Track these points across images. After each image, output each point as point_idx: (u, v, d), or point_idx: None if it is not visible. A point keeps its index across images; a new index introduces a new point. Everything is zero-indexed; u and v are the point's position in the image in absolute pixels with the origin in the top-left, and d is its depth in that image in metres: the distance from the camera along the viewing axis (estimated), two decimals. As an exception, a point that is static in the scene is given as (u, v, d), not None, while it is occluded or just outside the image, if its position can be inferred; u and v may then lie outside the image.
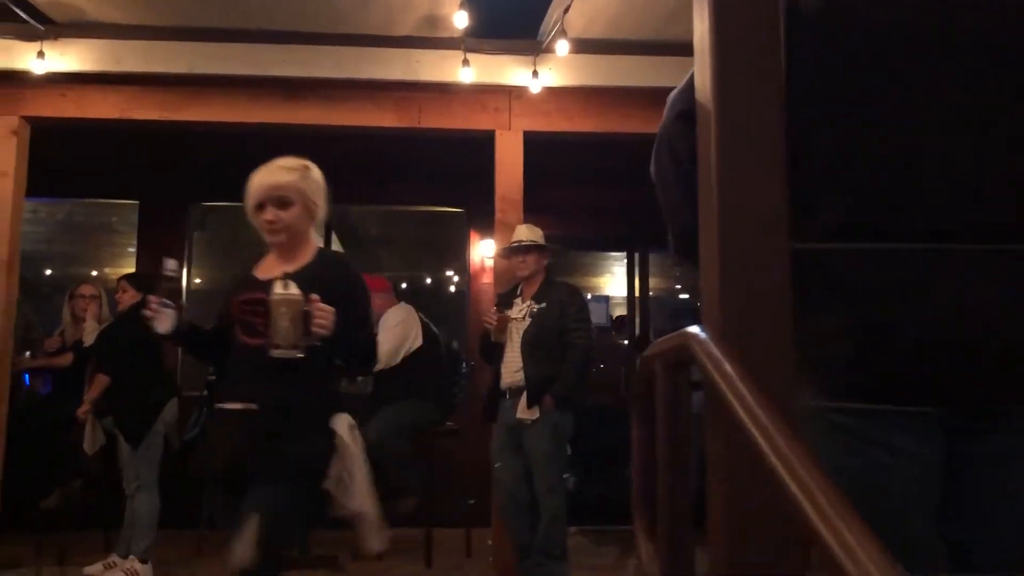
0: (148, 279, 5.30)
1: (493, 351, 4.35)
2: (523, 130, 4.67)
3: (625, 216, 6.49)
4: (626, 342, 7.65)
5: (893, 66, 1.17)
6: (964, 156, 1.14)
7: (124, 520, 4.59)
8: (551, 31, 4.27)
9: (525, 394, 4.13)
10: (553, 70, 4.55)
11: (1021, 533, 1.14)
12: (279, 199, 2.44)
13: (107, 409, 4.68)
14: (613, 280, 9.04)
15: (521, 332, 4.20)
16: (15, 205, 4.51)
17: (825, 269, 1.20)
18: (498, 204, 4.68)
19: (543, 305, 4.21)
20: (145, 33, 4.40)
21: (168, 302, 2.38)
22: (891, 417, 1.12)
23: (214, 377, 5.34)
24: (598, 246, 7.64)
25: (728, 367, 1.08)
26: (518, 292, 4.35)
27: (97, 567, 4.55)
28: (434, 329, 5.38)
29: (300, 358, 2.26)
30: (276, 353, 2.24)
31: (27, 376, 5.50)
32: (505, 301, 4.39)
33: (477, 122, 4.69)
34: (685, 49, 4.09)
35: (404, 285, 7.43)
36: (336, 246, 7.01)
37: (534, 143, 4.71)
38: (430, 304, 5.64)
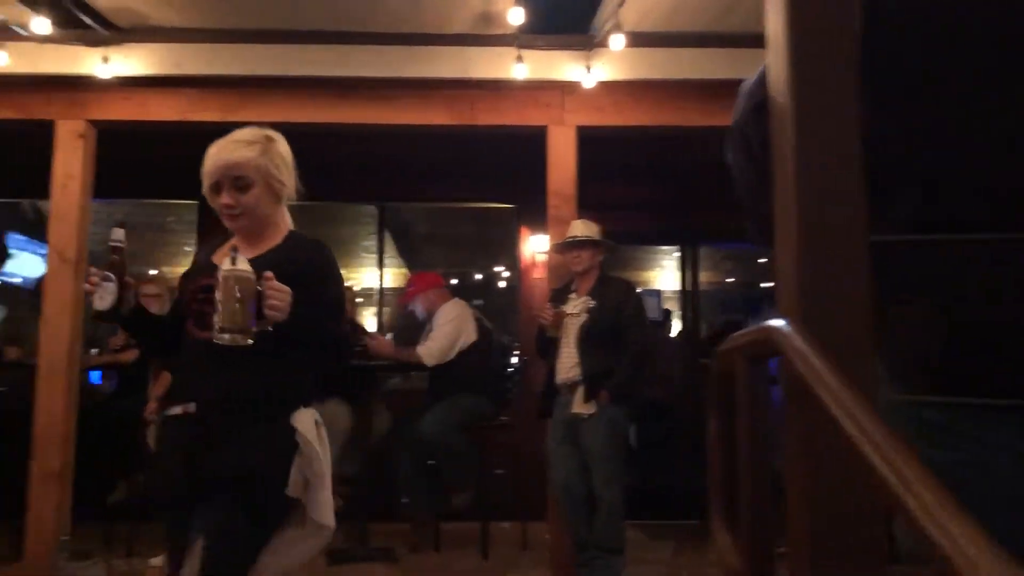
0: None
1: (548, 346, 4.37)
2: (576, 125, 4.67)
3: (677, 210, 6.46)
4: (673, 336, 7.62)
5: (971, 54, 1.15)
6: None
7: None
8: (605, 25, 4.26)
9: (581, 389, 4.15)
10: (606, 64, 4.54)
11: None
12: (236, 180, 2.13)
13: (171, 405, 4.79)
14: (663, 274, 9.00)
15: (577, 327, 4.21)
16: (82, 207, 4.63)
17: (906, 261, 1.19)
18: (551, 199, 4.69)
19: (599, 300, 4.22)
20: (204, 36, 4.49)
21: (110, 275, 2.05)
22: (981, 411, 1.11)
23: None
24: (649, 240, 7.61)
25: (816, 361, 1.08)
26: (572, 287, 4.37)
27: (161, 558, 4.67)
28: (487, 324, 5.41)
29: (249, 344, 1.93)
30: (222, 338, 1.91)
31: (96, 373, 5.65)
32: (559, 296, 4.40)
33: (530, 118, 4.70)
34: (741, 41, 4.07)
35: (454, 281, 7.49)
36: (389, 244, 7.09)
37: (584, 138, 4.71)
38: (480, 300, 5.67)
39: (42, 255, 7.76)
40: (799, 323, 1.20)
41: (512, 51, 4.44)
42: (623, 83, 4.59)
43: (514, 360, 6.10)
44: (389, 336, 5.66)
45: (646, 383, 4.49)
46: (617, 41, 4.23)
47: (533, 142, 4.73)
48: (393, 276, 7.13)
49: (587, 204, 4.68)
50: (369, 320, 6.89)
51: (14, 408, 4.89)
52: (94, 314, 2.08)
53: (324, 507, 2.12)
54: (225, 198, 2.13)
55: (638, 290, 4.50)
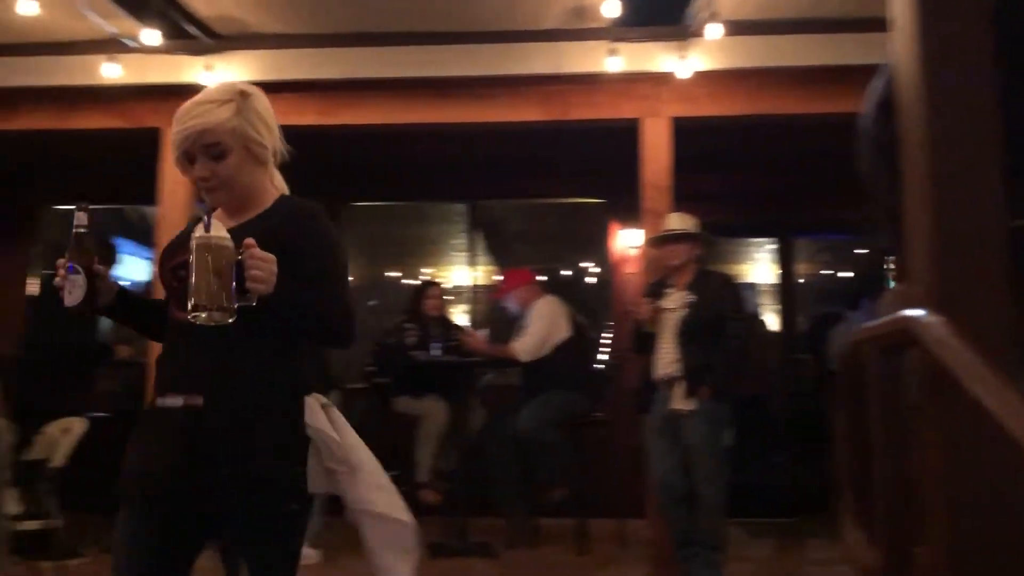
0: None
1: (645, 342, 4.32)
2: (670, 116, 4.62)
3: (772, 201, 6.33)
4: (768, 330, 7.47)
5: None
6: None
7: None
8: (700, 14, 4.20)
9: (681, 384, 4.10)
10: (701, 54, 4.47)
11: None
12: (210, 148, 1.83)
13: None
14: (755, 267, 8.83)
15: (675, 322, 4.16)
16: (189, 210, 4.80)
17: None
18: (645, 192, 4.65)
19: (698, 295, 4.16)
20: (303, 41, 4.60)
21: (77, 267, 1.79)
22: None
23: (375, 368, 5.56)
24: (743, 233, 7.48)
25: (967, 352, 1.04)
26: (669, 282, 4.31)
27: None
28: (581, 320, 5.40)
29: (230, 323, 1.66)
30: (198, 317, 1.64)
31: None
32: (655, 291, 4.35)
33: (623, 111, 4.67)
34: (839, 26, 3.96)
35: (545, 278, 7.49)
36: (479, 242, 7.14)
37: (677, 129, 4.65)
38: (571, 296, 5.66)
39: (147, 259, 8.08)
40: (936, 312, 1.15)
41: (605, 44, 4.42)
42: (718, 72, 4.52)
43: (603, 355, 6.08)
44: (482, 333, 5.70)
45: (747, 378, 4.41)
46: (714, 30, 4.16)
47: (624, 135, 4.70)
48: (483, 274, 7.18)
49: (680, 196, 4.62)
50: (461, 318, 6.95)
51: (127, 405, 5.09)
52: (70, 311, 1.81)
53: (368, 492, 1.88)
54: (200, 169, 1.85)
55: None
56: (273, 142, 1.93)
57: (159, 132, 4.78)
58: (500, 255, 7.16)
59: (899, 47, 1.27)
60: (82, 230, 1.81)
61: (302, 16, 4.41)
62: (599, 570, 4.79)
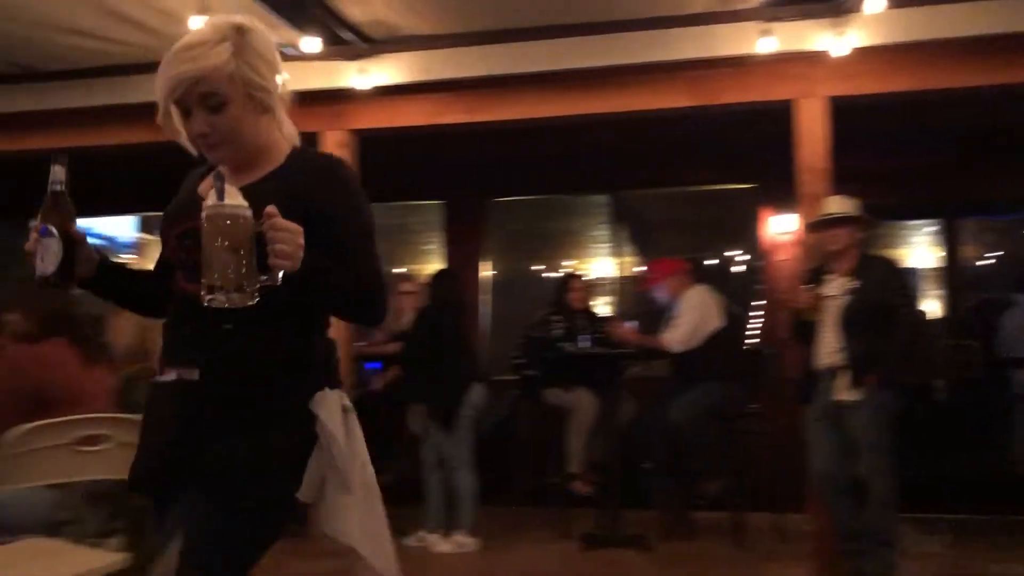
0: (452, 274, 5.69)
1: (805, 331, 4.18)
2: (826, 96, 4.44)
3: (935, 180, 6.00)
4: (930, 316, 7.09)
5: None
6: None
7: (430, 497, 4.98)
8: (858, -12, 4.02)
9: (846, 374, 3.95)
10: (859, 30, 4.28)
11: None
12: (206, 97, 1.57)
13: (420, 394, 5.09)
14: (913, 251, 8.40)
15: (838, 310, 4.01)
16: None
17: None
18: (801, 176, 4.49)
19: (861, 281, 3.99)
20: (451, 41, 4.69)
21: (51, 229, 1.53)
22: None
23: (523, 360, 5.62)
24: (904, 215, 7.12)
25: None
26: (829, 268, 4.16)
27: (414, 539, 4.96)
28: (734, 309, 5.29)
29: (252, 305, 1.44)
30: (215, 301, 1.43)
31: (365, 364, 6.06)
32: (814, 278, 4.20)
33: (775, 92, 4.53)
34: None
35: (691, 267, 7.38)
36: (621, 233, 7.10)
37: (833, 109, 4.47)
38: (719, 285, 5.54)
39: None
40: None
41: (757, 25, 4.29)
42: (878, 48, 4.31)
43: (756, 346, 5.92)
44: (631, 324, 5.66)
45: (915, 366, 4.20)
46: (874, 3, 3.97)
47: (777, 118, 4.56)
48: (626, 265, 7.13)
49: (838, 178, 4.44)
50: (605, 309, 6.92)
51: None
52: (38, 282, 1.56)
53: (343, 520, 1.60)
54: (196, 124, 1.59)
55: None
56: (276, 78, 1.66)
57: (317, 136, 5.00)
58: (644, 245, 7.09)
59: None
60: (58, 187, 1.55)
61: (449, 16, 4.49)
62: (760, 565, 4.68)
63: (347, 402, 1.67)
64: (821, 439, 4.09)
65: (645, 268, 6.34)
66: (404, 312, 5.51)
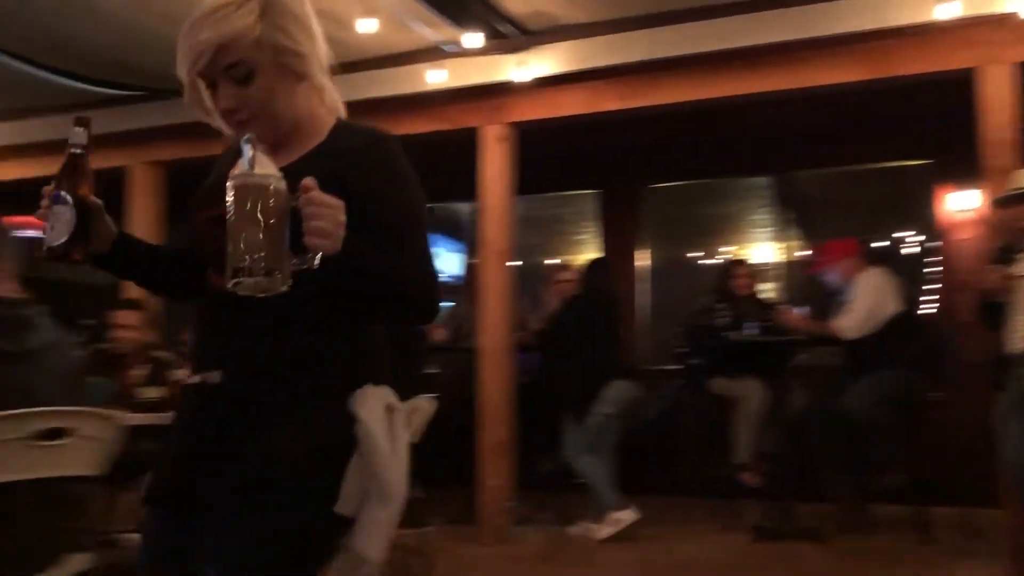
0: (605, 263, 5.67)
1: (994, 314, 3.91)
2: (1014, 61, 4.13)
3: None
4: None
5: None
6: None
7: (590, 487, 5.01)
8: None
9: (1045, 358, 3.67)
10: (1052, -14, 3.96)
11: None
12: (231, 68, 1.39)
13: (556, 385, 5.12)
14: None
15: (1034, 289, 3.73)
16: (507, 205, 5.07)
17: None
18: (986, 149, 4.20)
19: (1061, 258, 3.69)
20: (607, 28, 4.67)
21: (65, 196, 1.36)
22: None
23: (687, 349, 5.54)
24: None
25: None
26: (1020, 246, 3.86)
27: (579, 528, 5.00)
28: (913, 293, 5.02)
29: (283, 291, 1.24)
30: (241, 285, 1.23)
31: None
32: (1004, 257, 3.92)
33: (956, 61, 4.25)
34: None
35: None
36: (787, 216, 6.86)
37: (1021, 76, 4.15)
38: (893, 267, 5.26)
39: (458, 252, 8.65)
40: None
41: (933, -10, 4.05)
42: (1074, 4, 3.96)
43: (936, 330, 5.59)
44: (801, 311, 5.47)
45: None
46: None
47: (956, 88, 4.27)
48: (791, 249, 6.89)
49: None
50: (769, 295, 6.72)
51: (456, 386, 5.47)
52: (44, 253, 1.38)
53: (376, 535, 1.41)
54: (222, 99, 1.42)
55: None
56: (313, 45, 1.45)
57: (477, 131, 5.09)
58: (809, 228, 6.83)
59: None
60: (78, 150, 1.40)
61: (607, 2, 4.47)
62: (949, 563, 4.42)
63: (393, 400, 1.46)
64: (1016, 429, 3.82)
65: (813, 251, 6.12)
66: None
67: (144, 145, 5.78)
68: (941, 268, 6.02)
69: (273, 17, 1.39)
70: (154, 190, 5.95)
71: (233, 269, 1.22)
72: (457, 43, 4.49)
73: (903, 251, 6.59)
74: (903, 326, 4.90)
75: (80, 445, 2.48)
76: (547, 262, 8.48)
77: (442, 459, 4.17)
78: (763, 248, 7.10)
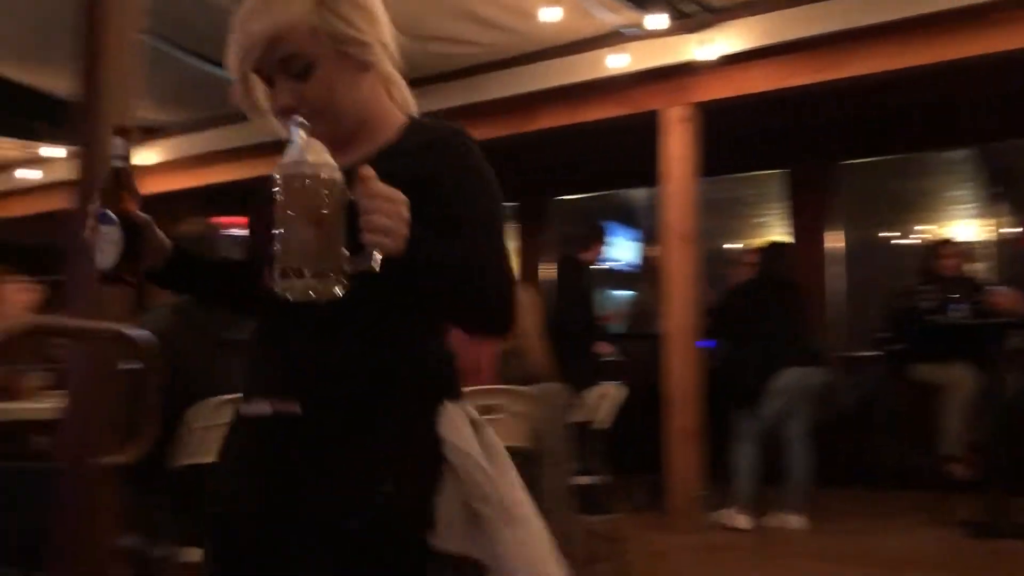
0: (782, 248, 5.44)
1: None
2: None
3: None
4: None
5: None
6: None
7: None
8: None
9: None
10: None
11: None
12: (287, 62, 1.27)
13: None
14: None
15: None
16: (691, 188, 4.98)
17: None
18: None
19: None
20: (796, 0, 4.48)
21: (110, 215, 1.26)
22: None
23: (888, 334, 5.26)
24: None
25: None
26: None
27: (775, 519, 4.87)
28: None
29: (339, 295, 1.09)
30: (290, 288, 1.09)
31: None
32: None
33: None
34: None
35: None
36: (992, 190, 6.36)
37: None
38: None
39: (634, 240, 8.57)
40: None
41: None
42: None
43: None
44: (1014, 291, 5.06)
45: None
46: None
47: None
48: (1001, 225, 6.39)
49: None
50: (980, 277, 6.26)
51: (640, 373, 5.42)
52: (98, 278, 1.29)
53: (524, 558, 1.24)
54: (279, 95, 1.29)
55: None
56: (377, 30, 1.31)
57: (657, 114, 5.02)
58: (1018, 203, 6.31)
59: None
60: (119, 162, 1.29)
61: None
62: None
63: (474, 414, 1.32)
64: None
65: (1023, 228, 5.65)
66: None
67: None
68: None
69: (330, 3, 1.26)
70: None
71: (281, 270, 1.08)
72: (640, 26, 4.44)
73: None
74: None
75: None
76: (726, 246, 8.28)
77: (628, 446, 4.17)
78: (965, 226, 6.63)
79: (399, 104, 1.38)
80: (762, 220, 7.97)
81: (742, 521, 4.85)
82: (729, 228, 8.19)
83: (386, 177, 1.11)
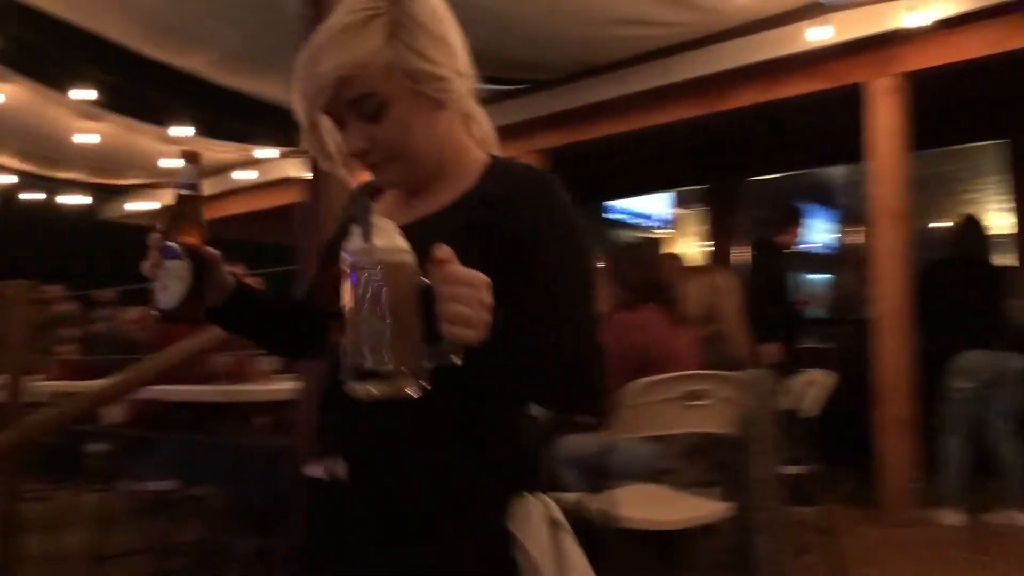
0: (975, 223, 4.99)
1: None
2: None
3: None
4: None
5: None
6: None
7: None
8: None
9: None
10: None
11: None
12: (357, 103, 1.15)
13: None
14: None
15: None
16: (901, 162, 4.70)
17: None
18: None
19: None
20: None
21: (174, 247, 1.18)
22: None
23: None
24: None
25: None
26: None
27: (1000, 516, 4.56)
28: None
29: (416, 396, 1.00)
30: (360, 390, 0.99)
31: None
32: None
33: None
34: None
35: None
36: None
37: None
38: None
39: (830, 220, 8.21)
40: None
41: None
42: None
43: None
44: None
45: None
46: None
47: None
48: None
49: None
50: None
51: (846, 360, 5.16)
52: (158, 316, 1.20)
53: None
54: (352, 139, 1.18)
55: None
56: (456, 65, 1.19)
57: (861, 87, 4.77)
58: None
59: None
60: (187, 191, 1.21)
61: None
62: None
63: (556, 513, 1.18)
64: None
65: None
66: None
67: (527, 136, 6.11)
68: None
69: (404, 36, 1.14)
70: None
71: (352, 369, 0.99)
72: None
73: None
74: None
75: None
76: (932, 225, 7.82)
77: (835, 435, 3.99)
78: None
79: (479, 141, 1.26)
80: (972, 196, 7.45)
81: (953, 518, 4.55)
82: (934, 206, 7.71)
83: (469, 230, 1.08)
